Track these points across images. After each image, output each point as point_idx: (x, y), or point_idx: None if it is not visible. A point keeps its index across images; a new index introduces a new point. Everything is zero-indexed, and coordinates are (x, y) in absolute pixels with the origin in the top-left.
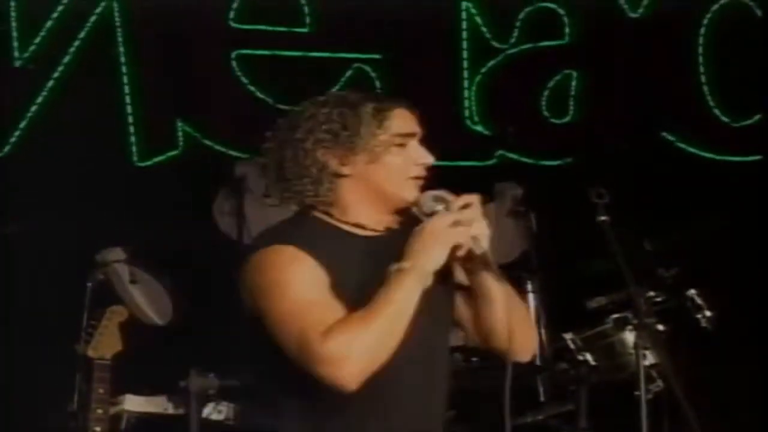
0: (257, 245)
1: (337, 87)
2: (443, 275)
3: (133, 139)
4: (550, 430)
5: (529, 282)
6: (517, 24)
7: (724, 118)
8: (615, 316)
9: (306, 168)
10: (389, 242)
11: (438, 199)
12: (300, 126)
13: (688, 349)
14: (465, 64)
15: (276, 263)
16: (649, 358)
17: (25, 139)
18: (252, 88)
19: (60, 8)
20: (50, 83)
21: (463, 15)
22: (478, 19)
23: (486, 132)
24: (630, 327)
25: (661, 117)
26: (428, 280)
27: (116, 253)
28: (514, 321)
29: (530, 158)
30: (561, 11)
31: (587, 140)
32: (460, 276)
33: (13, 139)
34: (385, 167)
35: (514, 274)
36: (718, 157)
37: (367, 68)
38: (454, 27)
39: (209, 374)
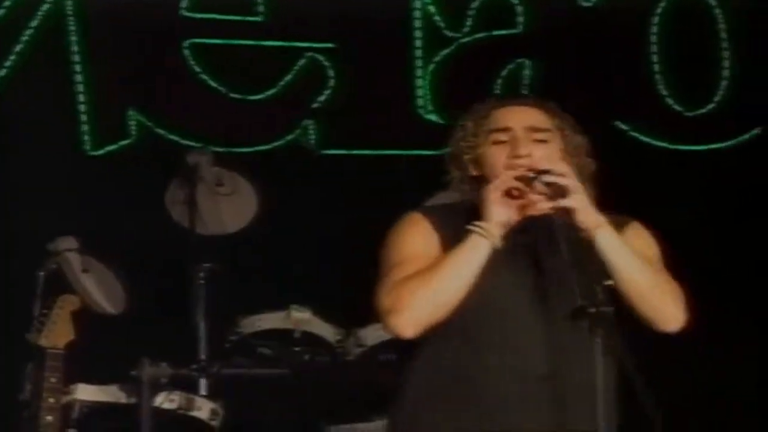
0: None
1: (289, 76)
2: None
3: (85, 128)
4: None
5: None
6: (470, 13)
7: (677, 107)
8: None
9: (451, 174)
10: (519, 228)
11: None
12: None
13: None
14: (418, 53)
15: (397, 227)
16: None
17: None
18: (204, 78)
19: None
20: (2, 72)
21: (417, 4)
22: (432, 8)
23: (439, 121)
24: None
25: (614, 106)
26: (494, 238)
27: (68, 242)
28: (638, 288)
29: None
30: (514, 0)
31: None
32: None
33: None
34: (488, 165)
35: None
36: (671, 147)
37: (321, 57)
38: (407, 16)
39: (161, 363)
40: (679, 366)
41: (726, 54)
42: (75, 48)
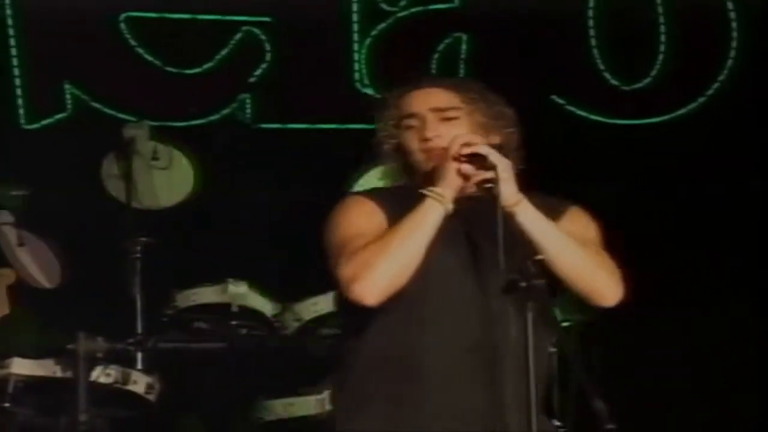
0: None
1: (226, 50)
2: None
3: (20, 101)
4: None
5: None
6: None
7: (614, 81)
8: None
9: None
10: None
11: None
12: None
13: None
14: (355, 27)
15: (341, 208)
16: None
17: None
18: (140, 51)
19: None
20: None
21: None
22: None
23: (376, 95)
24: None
25: (551, 80)
26: (447, 203)
27: (3, 216)
28: (566, 263)
29: None
30: None
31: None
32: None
33: None
34: (404, 150)
35: None
36: (608, 121)
37: (257, 31)
38: None
39: (97, 337)
40: (616, 343)
41: (662, 28)
42: (10, 21)
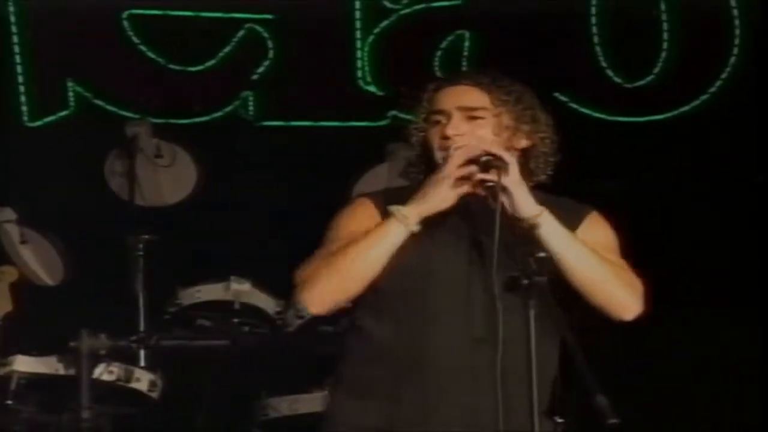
0: None
1: (228, 48)
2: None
3: (23, 99)
4: None
5: None
6: None
7: (617, 79)
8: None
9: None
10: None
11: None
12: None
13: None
14: (358, 24)
15: (343, 209)
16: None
17: None
18: (143, 48)
19: None
20: None
21: None
22: None
23: (379, 92)
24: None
25: (554, 77)
26: (411, 225)
27: (6, 213)
28: (584, 276)
29: None
30: None
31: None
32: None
33: None
34: (427, 145)
35: None
36: (610, 118)
37: (260, 29)
38: None
39: (100, 334)
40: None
41: (665, 26)
42: (13, 18)
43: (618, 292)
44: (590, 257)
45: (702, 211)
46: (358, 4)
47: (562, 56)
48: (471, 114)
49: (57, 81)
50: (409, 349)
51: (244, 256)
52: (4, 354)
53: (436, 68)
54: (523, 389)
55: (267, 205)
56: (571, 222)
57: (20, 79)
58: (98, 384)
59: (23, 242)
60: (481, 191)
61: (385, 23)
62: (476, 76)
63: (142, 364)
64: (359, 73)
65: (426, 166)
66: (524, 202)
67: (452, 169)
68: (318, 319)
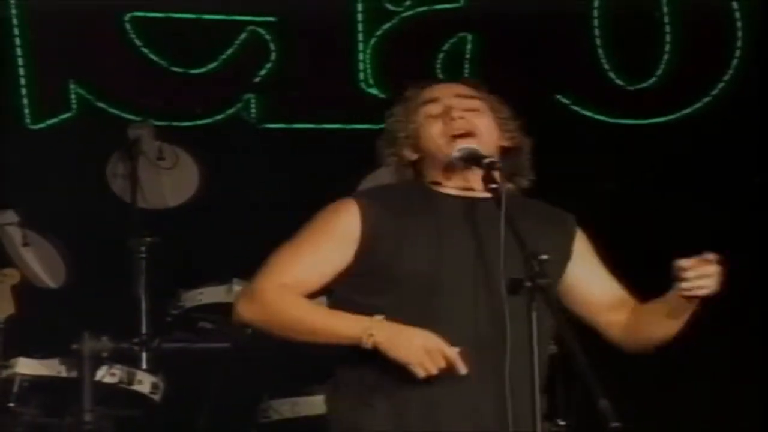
0: None
1: (230, 50)
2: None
3: (25, 101)
4: None
5: None
6: None
7: (619, 81)
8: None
9: (389, 158)
10: (461, 202)
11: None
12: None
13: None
14: (360, 27)
15: (325, 208)
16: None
17: None
18: (145, 51)
19: None
20: None
21: None
22: None
23: (381, 95)
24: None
25: (556, 80)
26: (369, 342)
27: (8, 216)
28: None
29: None
30: None
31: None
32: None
33: None
34: (426, 139)
35: None
36: (612, 121)
37: (262, 31)
38: None
39: (102, 337)
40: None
41: (667, 28)
42: (15, 21)
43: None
44: None
45: (703, 213)
46: (360, 6)
47: (563, 58)
48: (469, 103)
49: (59, 83)
50: None
51: (247, 258)
52: (6, 357)
53: (438, 70)
54: (525, 391)
55: (269, 207)
56: (563, 234)
57: (22, 81)
58: (100, 386)
59: (25, 245)
60: (479, 189)
61: (387, 25)
62: (462, 78)
63: (144, 366)
64: (361, 76)
65: (417, 168)
66: None
67: (428, 365)
68: None
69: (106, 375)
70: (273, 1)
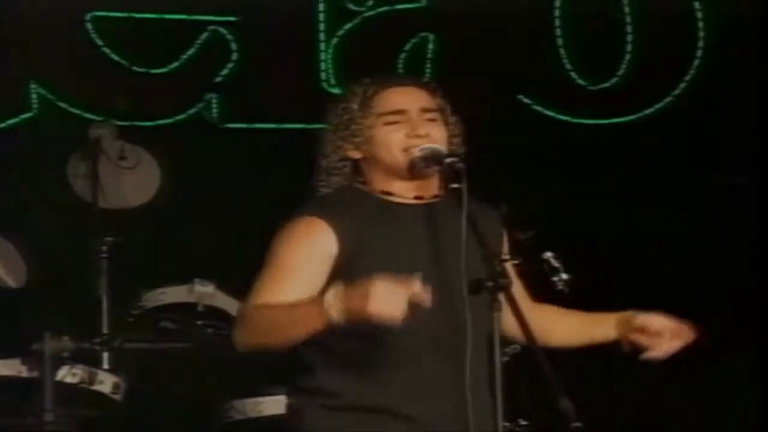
0: (293, 216)
1: (192, 50)
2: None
3: None
4: None
5: None
6: None
7: (581, 81)
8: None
9: (325, 158)
10: (420, 208)
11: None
12: (325, 120)
13: None
14: (321, 26)
15: (290, 229)
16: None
17: None
18: (107, 51)
19: None
20: None
21: None
22: None
23: (343, 94)
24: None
25: (518, 80)
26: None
27: None
28: None
29: None
30: None
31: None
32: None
33: None
34: (379, 145)
35: None
36: (574, 120)
37: (223, 31)
38: None
39: (63, 337)
40: None
41: (629, 28)
42: None
43: None
44: None
45: (666, 213)
46: (321, 6)
47: (526, 58)
48: (429, 116)
49: (20, 83)
50: (376, 355)
51: (208, 258)
52: None
53: (401, 70)
54: (485, 392)
55: (231, 207)
56: (495, 231)
57: None
58: (61, 386)
59: None
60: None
61: (348, 25)
62: (415, 79)
63: (106, 366)
64: (323, 75)
65: (360, 167)
66: None
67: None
68: None
69: (68, 375)
70: (234, 1)
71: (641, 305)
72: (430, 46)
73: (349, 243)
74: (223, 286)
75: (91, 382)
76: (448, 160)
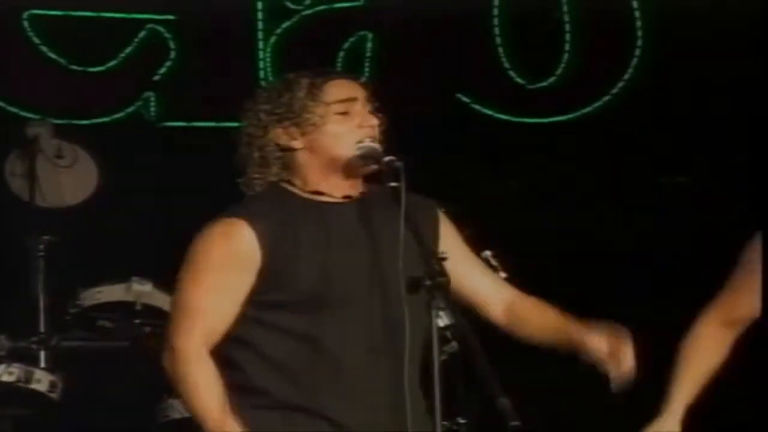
0: (215, 218)
1: (130, 48)
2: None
3: None
4: None
5: None
6: None
7: (520, 80)
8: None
9: (252, 151)
10: (351, 207)
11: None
12: (248, 114)
13: None
14: (260, 25)
15: (206, 236)
16: (443, 319)
17: None
18: (44, 49)
19: None
20: None
21: None
22: None
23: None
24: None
25: (457, 78)
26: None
27: None
28: None
29: None
30: None
31: (382, 102)
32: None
33: None
34: (328, 136)
35: None
36: (513, 119)
37: (161, 29)
38: None
39: (0, 335)
40: None
41: (567, 27)
42: None
43: None
44: None
45: (604, 212)
46: (260, 5)
47: (464, 57)
48: (372, 108)
49: None
50: (309, 355)
51: (146, 257)
52: None
53: (339, 68)
54: (418, 392)
55: (169, 206)
56: (430, 222)
57: None
58: None
59: None
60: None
61: (287, 24)
62: (350, 74)
63: (43, 365)
64: (261, 74)
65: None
66: None
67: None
68: None
69: (4, 374)
70: None
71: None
72: (369, 44)
73: (272, 247)
74: (161, 284)
75: (28, 380)
76: (387, 158)
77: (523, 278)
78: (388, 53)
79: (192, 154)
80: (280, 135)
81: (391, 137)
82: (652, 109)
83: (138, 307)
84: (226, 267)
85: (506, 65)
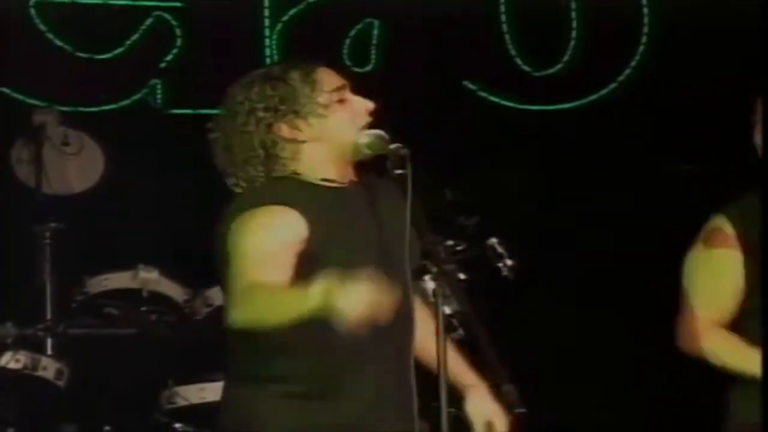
0: (243, 206)
1: (137, 35)
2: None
3: None
4: None
5: None
6: None
7: (526, 67)
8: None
9: (254, 149)
10: (357, 192)
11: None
12: (237, 111)
13: (488, 297)
14: (266, 12)
15: (256, 218)
16: (450, 306)
17: None
18: (51, 36)
19: None
20: None
21: None
22: None
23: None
24: (429, 276)
25: (464, 66)
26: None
27: None
28: None
29: None
30: None
31: (389, 89)
32: None
33: None
34: (335, 124)
35: None
36: (519, 107)
37: (168, 16)
38: None
39: (6, 323)
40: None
41: (574, 14)
42: None
43: None
44: None
45: (610, 199)
46: None
47: (471, 45)
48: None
49: None
50: (315, 341)
51: (152, 244)
52: None
53: (345, 56)
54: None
55: (175, 193)
56: (397, 199)
57: None
58: (4, 372)
59: None
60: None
61: (293, 11)
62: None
63: (49, 352)
64: (268, 61)
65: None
66: None
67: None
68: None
69: (11, 361)
70: None
71: (588, 291)
72: (375, 31)
73: (313, 231)
74: (167, 271)
75: (35, 368)
76: (393, 146)
77: (528, 265)
78: (394, 41)
79: (198, 141)
80: (283, 129)
81: (396, 124)
82: (658, 96)
83: (144, 295)
84: (284, 251)
85: (513, 52)
